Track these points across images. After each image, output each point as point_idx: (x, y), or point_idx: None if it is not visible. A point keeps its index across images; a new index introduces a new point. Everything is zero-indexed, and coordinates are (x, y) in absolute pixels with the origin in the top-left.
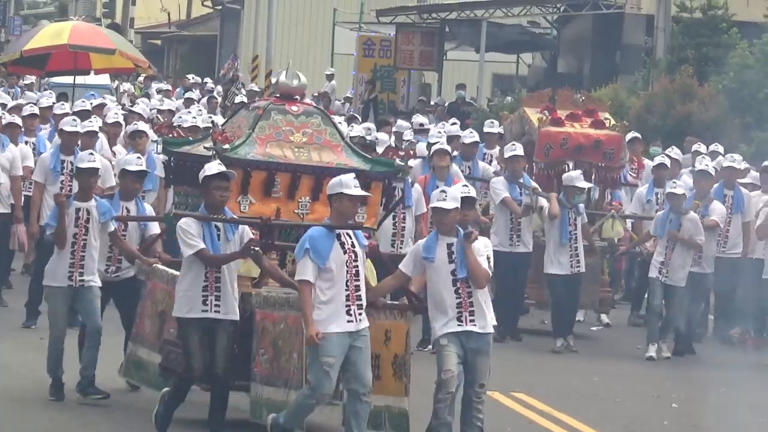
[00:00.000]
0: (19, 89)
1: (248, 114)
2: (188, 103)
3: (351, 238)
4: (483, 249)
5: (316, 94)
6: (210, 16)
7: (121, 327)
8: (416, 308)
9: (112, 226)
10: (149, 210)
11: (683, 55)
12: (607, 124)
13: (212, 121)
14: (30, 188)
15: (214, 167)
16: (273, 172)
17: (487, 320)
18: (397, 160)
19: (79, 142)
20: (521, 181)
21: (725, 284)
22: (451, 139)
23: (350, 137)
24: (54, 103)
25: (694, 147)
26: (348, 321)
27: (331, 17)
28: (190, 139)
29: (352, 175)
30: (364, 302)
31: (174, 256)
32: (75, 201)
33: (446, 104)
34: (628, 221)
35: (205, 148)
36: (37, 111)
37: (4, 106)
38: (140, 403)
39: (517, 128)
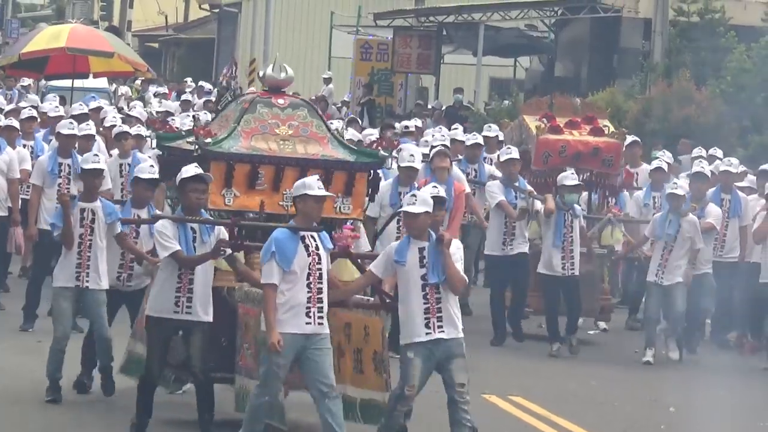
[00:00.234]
0: (17, 92)
1: (236, 107)
2: (185, 105)
3: (315, 240)
4: (456, 251)
5: (313, 98)
6: (207, 19)
7: (124, 329)
8: (388, 307)
9: (119, 228)
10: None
11: (681, 59)
12: (606, 131)
13: (194, 116)
14: (28, 191)
15: (191, 170)
16: (256, 165)
17: (456, 326)
18: (381, 151)
19: (77, 145)
20: (517, 184)
21: (722, 288)
22: (453, 142)
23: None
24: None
25: (695, 152)
26: (306, 323)
27: (329, 20)
28: (183, 133)
29: (316, 176)
30: (326, 305)
31: None
32: (80, 202)
33: (443, 108)
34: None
35: (187, 142)
36: (35, 114)
37: (0, 110)
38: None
39: (517, 136)
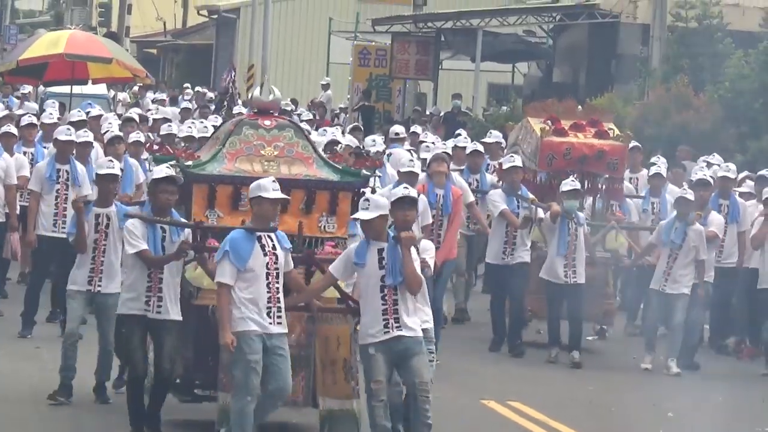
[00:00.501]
0: (14, 99)
1: (226, 128)
2: (185, 113)
3: (272, 240)
4: (425, 253)
5: (310, 104)
6: (206, 25)
7: None
8: (355, 311)
9: None
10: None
11: (679, 65)
12: (611, 134)
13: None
14: (28, 198)
15: (161, 171)
16: (239, 186)
17: (415, 325)
18: (364, 171)
19: (75, 152)
20: (519, 193)
21: (720, 294)
22: (455, 149)
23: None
24: (59, 119)
25: (702, 159)
26: (269, 323)
27: (327, 26)
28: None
29: (272, 178)
30: (283, 306)
31: None
32: (95, 207)
33: (442, 114)
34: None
35: (167, 166)
36: (35, 121)
37: None
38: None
39: (513, 138)
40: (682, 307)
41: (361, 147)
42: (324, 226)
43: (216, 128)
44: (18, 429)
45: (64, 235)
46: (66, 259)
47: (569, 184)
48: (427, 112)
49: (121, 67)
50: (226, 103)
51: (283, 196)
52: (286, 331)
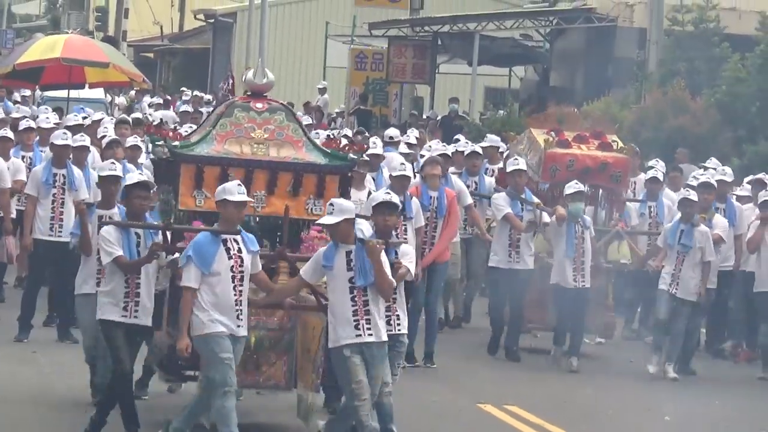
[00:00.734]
0: (10, 103)
1: (218, 111)
2: (184, 116)
3: (238, 243)
4: (404, 257)
5: (304, 106)
6: (202, 29)
7: None
8: (325, 308)
9: None
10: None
11: (675, 69)
12: (615, 147)
13: (161, 119)
14: (25, 202)
15: (134, 177)
16: (226, 168)
17: (383, 329)
18: (351, 154)
19: (71, 156)
20: (523, 196)
21: (717, 297)
22: (455, 153)
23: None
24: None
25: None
26: (238, 326)
27: (324, 30)
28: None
29: (237, 182)
30: (245, 309)
31: None
32: (97, 209)
33: (439, 118)
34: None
35: (156, 145)
36: (33, 125)
37: None
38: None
39: (517, 150)
40: (687, 314)
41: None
42: (311, 209)
43: (209, 113)
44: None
45: (61, 239)
46: (63, 263)
47: (573, 186)
48: (424, 116)
49: (118, 72)
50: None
51: (248, 199)
52: (245, 333)
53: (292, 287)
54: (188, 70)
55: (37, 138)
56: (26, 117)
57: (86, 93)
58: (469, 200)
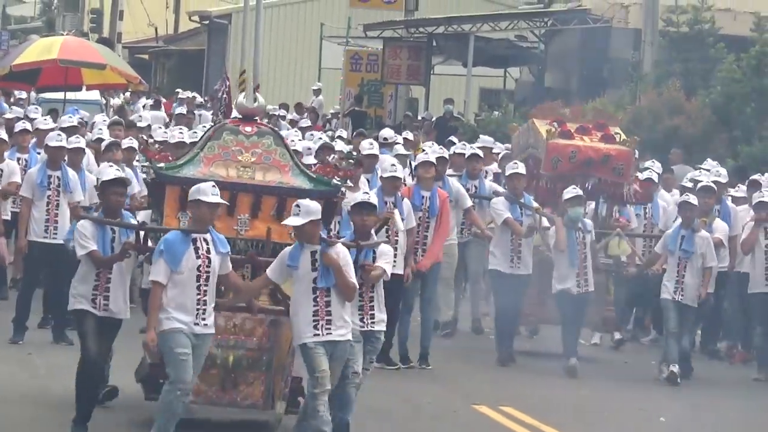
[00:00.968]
0: (5, 105)
1: (207, 133)
2: (179, 119)
3: (207, 243)
4: (381, 258)
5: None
6: (197, 31)
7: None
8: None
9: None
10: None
11: (670, 69)
12: (618, 139)
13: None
14: (20, 204)
15: (111, 173)
16: None
17: (345, 328)
18: (335, 180)
19: (66, 158)
20: (522, 201)
21: (712, 298)
22: (453, 156)
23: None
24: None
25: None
26: (195, 323)
27: (319, 32)
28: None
29: (211, 183)
30: (210, 307)
31: None
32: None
33: (434, 119)
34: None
35: (142, 165)
36: (29, 127)
37: None
38: (124, 409)
39: (524, 141)
40: (692, 319)
41: (352, 152)
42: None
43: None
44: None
45: (56, 241)
46: (57, 264)
47: (571, 191)
48: (419, 117)
49: (115, 73)
50: (220, 114)
51: (222, 201)
52: (211, 332)
53: (257, 286)
54: (183, 72)
55: (34, 140)
56: (21, 118)
57: (81, 94)
58: (469, 203)
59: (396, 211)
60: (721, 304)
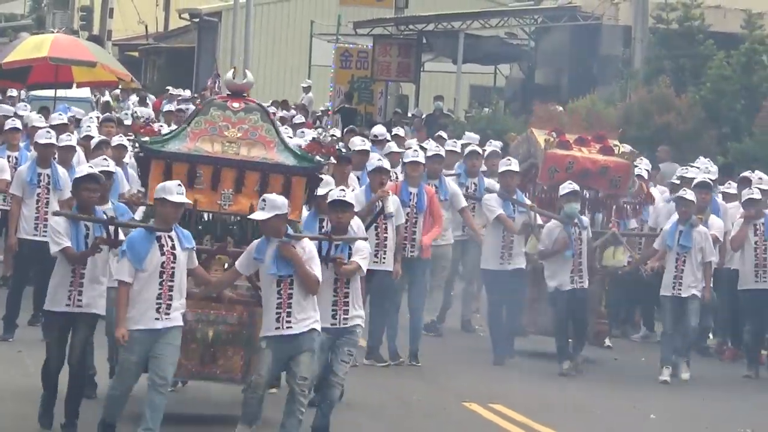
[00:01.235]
0: None
1: (195, 109)
2: (168, 116)
3: (172, 240)
4: (357, 253)
5: (294, 106)
6: (187, 28)
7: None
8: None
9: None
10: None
11: (660, 66)
12: (617, 151)
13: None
14: (10, 202)
15: (84, 169)
16: (195, 165)
17: (306, 322)
18: (317, 156)
19: (57, 156)
20: (515, 197)
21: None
22: (449, 153)
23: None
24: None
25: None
26: (155, 319)
27: (309, 29)
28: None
29: (177, 182)
30: (176, 302)
31: None
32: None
33: (424, 116)
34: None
35: (129, 139)
36: (19, 125)
37: None
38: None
39: (524, 150)
40: (695, 310)
41: (341, 149)
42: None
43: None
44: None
45: (45, 239)
46: (47, 262)
47: (567, 187)
48: (409, 114)
49: (106, 71)
50: None
51: (187, 201)
52: (177, 324)
53: (227, 279)
54: (173, 69)
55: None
56: (9, 116)
57: (72, 92)
58: (463, 203)
59: (392, 195)
60: (712, 301)
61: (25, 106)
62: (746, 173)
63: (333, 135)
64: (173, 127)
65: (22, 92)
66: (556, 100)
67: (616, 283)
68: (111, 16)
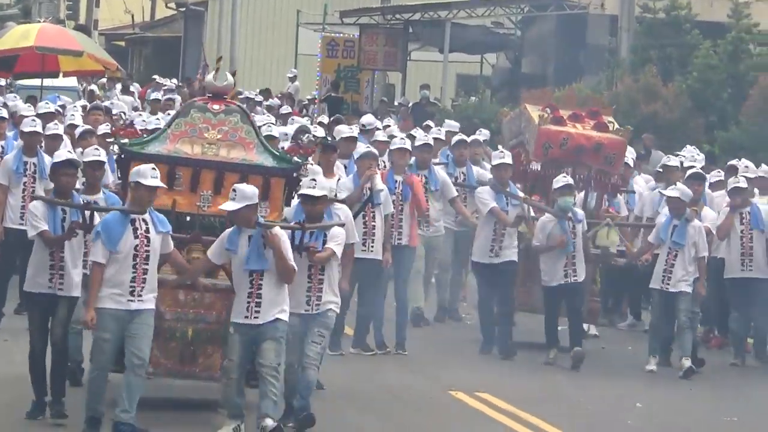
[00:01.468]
0: None
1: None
2: (154, 104)
3: (146, 224)
4: (332, 240)
5: (279, 95)
6: (174, 18)
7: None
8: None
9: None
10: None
11: (647, 55)
12: (611, 128)
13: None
14: None
15: (62, 155)
16: (174, 167)
17: (272, 311)
18: (295, 157)
19: (43, 145)
20: (508, 190)
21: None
22: (436, 141)
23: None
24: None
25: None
26: (129, 300)
27: (295, 18)
28: (145, 137)
29: (152, 166)
30: (149, 285)
31: None
32: (82, 195)
33: (410, 104)
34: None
35: (108, 140)
36: (5, 114)
37: None
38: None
39: (516, 126)
40: (685, 308)
41: (327, 138)
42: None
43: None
44: None
45: None
46: None
47: (561, 180)
48: (396, 103)
49: (92, 60)
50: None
51: (161, 184)
52: (149, 307)
53: (200, 267)
54: (160, 59)
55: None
56: None
57: (59, 81)
58: (453, 193)
59: (378, 174)
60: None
61: (15, 97)
62: (733, 161)
63: (320, 122)
64: (159, 115)
65: (9, 81)
66: (542, 89)
67: (604, 272)
68: (97, 6)
